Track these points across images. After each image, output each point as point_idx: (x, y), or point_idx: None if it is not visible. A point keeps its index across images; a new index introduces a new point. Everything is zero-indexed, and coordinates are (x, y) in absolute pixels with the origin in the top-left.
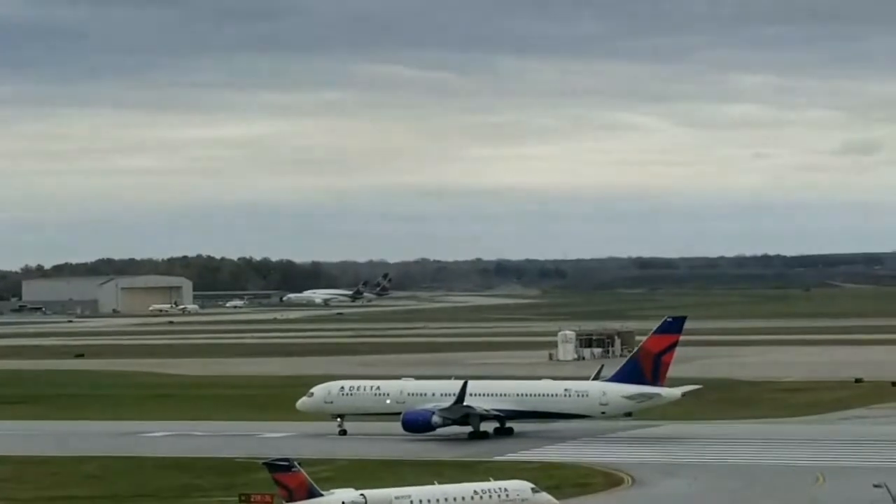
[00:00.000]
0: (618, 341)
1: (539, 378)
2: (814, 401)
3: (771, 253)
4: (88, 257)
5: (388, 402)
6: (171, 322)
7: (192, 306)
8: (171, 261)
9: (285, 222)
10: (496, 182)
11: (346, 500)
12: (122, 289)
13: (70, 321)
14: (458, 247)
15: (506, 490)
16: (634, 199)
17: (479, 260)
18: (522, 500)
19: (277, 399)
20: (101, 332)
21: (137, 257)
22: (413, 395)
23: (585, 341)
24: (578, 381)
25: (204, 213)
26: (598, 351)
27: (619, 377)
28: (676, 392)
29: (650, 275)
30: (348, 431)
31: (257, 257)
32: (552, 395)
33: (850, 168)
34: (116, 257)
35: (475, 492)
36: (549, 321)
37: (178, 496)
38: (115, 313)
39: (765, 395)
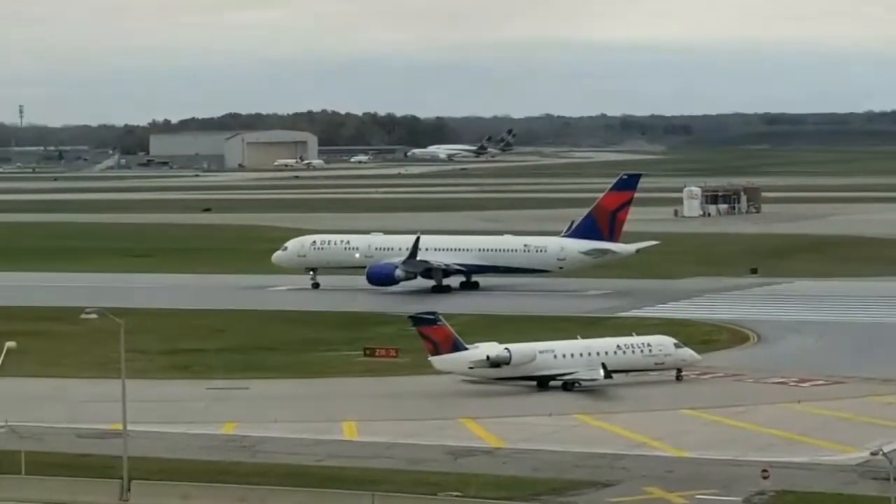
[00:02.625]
0: (743, 197)
1: (501, 233)
2: None
3: None
4: (215, 112)
5: (357, 255)
6: (296, 177)
7: (317, 161)
8: (296, 116)
9: (410, 77)
10: (621, 36)
11: (490, 354)
12: (248, 143)
13: (196, 175)
14: (583, 102)
15: (649, 345)
16: (761, 53)
17: (603, 115)
18: (665, 354)
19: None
20: (227, 187)
21: (263, 112)
22: (380, 249)
23: (711, 197)
24: (538, 236)
25: (329, 68)
26: (723, 207)
27: (577, 233)
28: (631, 248)
29: (777, 130)
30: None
31: (381, 112)
32: (512, 251)
33: None
34: (243, 112)
35: (618, 346)
36: (675, 177)
37: (302, 349)
38: (241, 168)
39: (894, 253)
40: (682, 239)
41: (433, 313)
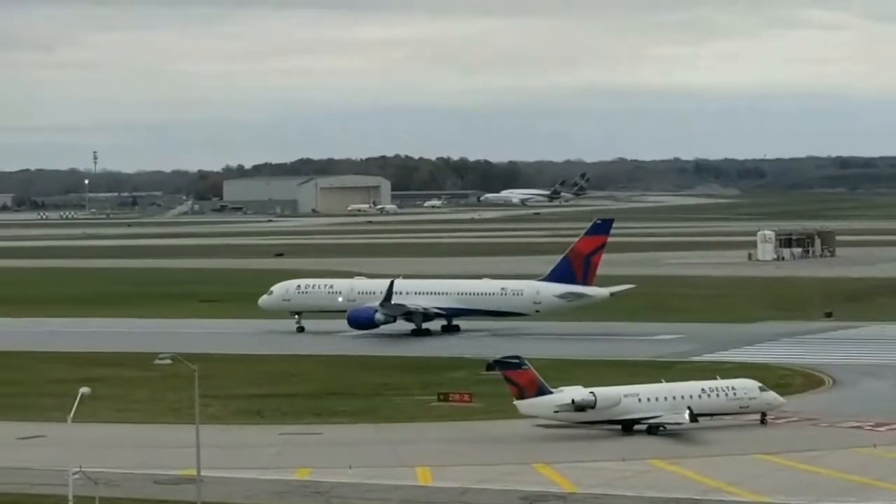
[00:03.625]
0: (817, 241)
1: (479, 277)
2: None
3: None
4: (288, 157)
5: (339, 299)
6: (369, 221)
7: (390, 206)
8: (369, 160)
9: (483, 122)
10: (695, 81)
11: (575, 398)
12: (321, 188)
13: (270, 220)
14: (656, 146)
15: (733, 388)
16: (835, 97)
17: (676, 159)
18: (750, 398)
19: None
20: (300, 232)
21: (336, 157)
22: (363, 293)
23: (785, 241)
24: (515, 280)
25: (402, 113)
26: (797, 251)
27: (553, 277)
28: (605, 291)
29: (850, 174)
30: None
31: (455, 157)
32: (489, 294)
33: None
34: (315, 157)
35: (703, 390)
36: (749, 221)
37: (375, 394)
38: (314, 213)
39: None
40: (756, 283)
41: (518, 357)
